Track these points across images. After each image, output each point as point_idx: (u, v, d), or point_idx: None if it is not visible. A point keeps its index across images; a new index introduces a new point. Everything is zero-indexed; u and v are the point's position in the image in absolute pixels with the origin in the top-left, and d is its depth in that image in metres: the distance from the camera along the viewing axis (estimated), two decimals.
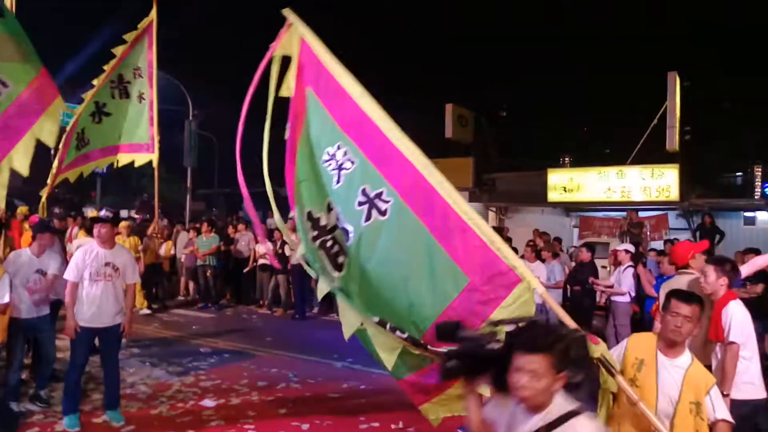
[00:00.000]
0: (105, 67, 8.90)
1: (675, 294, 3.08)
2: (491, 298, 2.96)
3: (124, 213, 20.49)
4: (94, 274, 5.32)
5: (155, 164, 9.08)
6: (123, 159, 9.11)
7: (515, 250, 5.81)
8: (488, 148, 21.74)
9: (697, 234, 13.98)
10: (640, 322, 8.06)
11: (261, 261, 12.23)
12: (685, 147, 20.46)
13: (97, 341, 5.63)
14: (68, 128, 9.00)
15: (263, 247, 12.17)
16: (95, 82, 8.91)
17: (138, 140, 9.10)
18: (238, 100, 3.63)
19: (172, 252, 12.05)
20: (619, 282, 8.19)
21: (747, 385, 3.96)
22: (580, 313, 8.49)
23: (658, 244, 13.13)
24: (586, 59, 28.87)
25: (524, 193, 18.38)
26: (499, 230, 13.56)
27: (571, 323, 2.64)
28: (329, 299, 12.19)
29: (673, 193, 15.88)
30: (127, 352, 7.99)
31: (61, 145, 8.70)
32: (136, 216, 17.36)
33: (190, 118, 20.80)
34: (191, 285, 12.88)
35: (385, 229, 3.36)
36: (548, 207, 17.89)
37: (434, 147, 14.92)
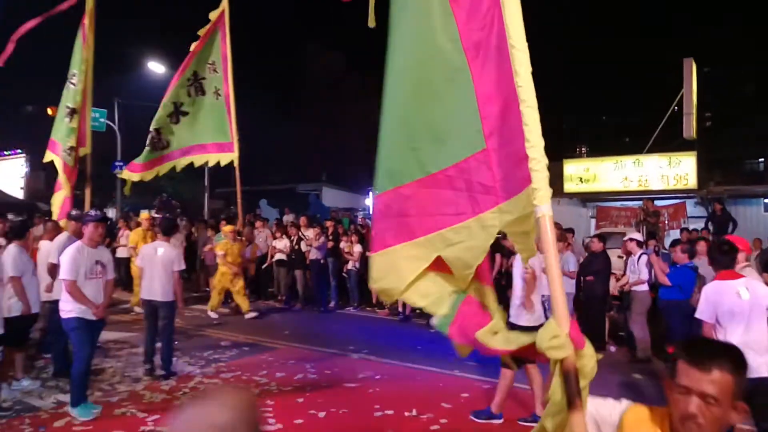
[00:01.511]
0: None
1: (685, 351, 1.60)
2: (491, 187, 2.11)
3: (144, 213, 20.69)
4: (88, 272, 5.60)
5: (236, 163, 8.92)
6: (212, 159, 9.04)
7: None
8: None
9: (709, 223, 13.75)
10: (654, 311, 8.08)
11: (278, 257, 12.45)
12: (705, 134, 20.22)
13: None
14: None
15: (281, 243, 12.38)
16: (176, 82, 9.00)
17: (224, 139, 8.96)
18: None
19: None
20: (636, 271, 8.19)
21: None
22: (593, 302, 8.54)
23: (676, 233, 13.04)
24: (603, 46, 28.62)
25: None
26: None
27: (561, 297, 1.81)
28: (345, 294, 12.27)
29: (691, 181, 15.79)
30: None
31: None
32: (157, 216, 17.59)
33: None
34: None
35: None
36: (565, 198, 17.84)
37: None
